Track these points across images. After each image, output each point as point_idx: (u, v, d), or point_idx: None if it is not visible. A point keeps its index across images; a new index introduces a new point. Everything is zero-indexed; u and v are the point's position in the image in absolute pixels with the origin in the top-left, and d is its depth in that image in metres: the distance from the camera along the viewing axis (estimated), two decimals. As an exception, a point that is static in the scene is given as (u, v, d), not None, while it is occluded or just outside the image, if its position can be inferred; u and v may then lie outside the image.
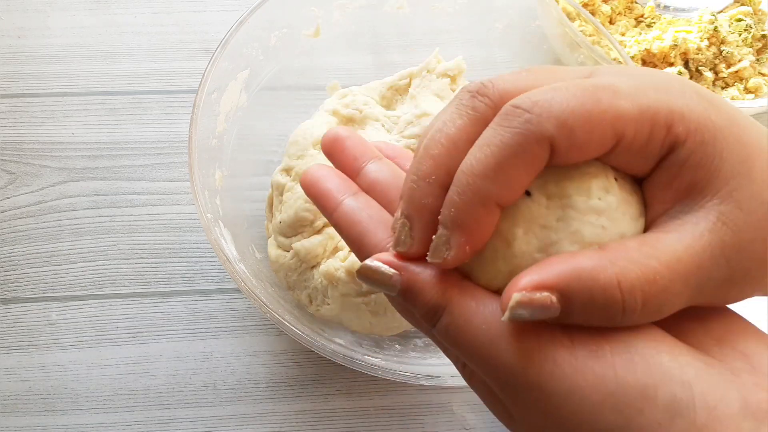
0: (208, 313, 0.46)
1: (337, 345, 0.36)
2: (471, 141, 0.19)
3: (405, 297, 0.20)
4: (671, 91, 0.18)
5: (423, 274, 0.20)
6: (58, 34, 0.54)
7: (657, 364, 0.17)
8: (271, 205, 0.43)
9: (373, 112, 0.42)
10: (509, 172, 0.18)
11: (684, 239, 0.18)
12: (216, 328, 0.45)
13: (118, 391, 0.43)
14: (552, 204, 0.19)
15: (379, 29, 0.49)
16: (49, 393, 0.43)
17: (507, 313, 0.17)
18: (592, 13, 0.53)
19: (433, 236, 0.19)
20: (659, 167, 0.19)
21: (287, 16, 0.44)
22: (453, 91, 0.42)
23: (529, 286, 0.17)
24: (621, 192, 0.19)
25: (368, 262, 0.20)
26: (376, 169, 0.25)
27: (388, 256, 0.20)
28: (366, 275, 0.20)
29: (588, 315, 0.17)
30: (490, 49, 0.49)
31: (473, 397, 0.44)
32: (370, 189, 0.25)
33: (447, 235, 0.19)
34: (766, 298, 0.21)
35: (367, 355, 0.36)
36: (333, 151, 0.26)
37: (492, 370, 0.18)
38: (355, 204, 0.24)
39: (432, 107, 0.41)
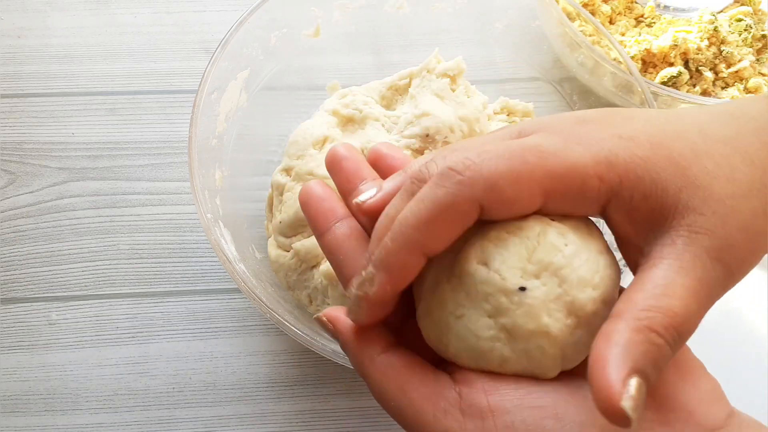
0: (208, 313, 0.46)
1: (337, 345, 0.36)
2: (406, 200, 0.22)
3: (342, 350, 0.24)
4: (593, 142, 0.20)
5: (354, 342, 0.23)
6: (58, 34, 0.54)
7: (539, 429, 0.19)
8: (271, 205, 0.43)
9: (373, 112, 0.42)
10: (438, 226, 0.20)
11: (673, 265, 0.19)
12: (216, 328, 0.45)
13: (118, 391, 0.43)
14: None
15: (379, 29, 0.49)
16: (49, 393, 0.43)
17: (633, 416, 0.17)
18: (592, 13, 0.53)
19: (362, 271, 0.21)
20: (610, 209, 0.21)
21: (287, 16, 0.44)
22: (453, 91, 0.42)
23: (620, 384, 0.17)
24: (573, 234, 0.21)
25: (320, 314, 0.24)
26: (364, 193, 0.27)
27: (336, 312, 0.23)
28: (318, 324, 0.24)
29: (658, 373, 0.18)
30: (490, 49, 0.49)
31: (473, 397, 0.44)
32: (356, 213, 0.26)
33: (373, 273, 0.21)
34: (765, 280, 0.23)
35: None
36: (331, 169, 0.27)
37: (399, 421, 0.22)
38: (339, 233, 0.25)
39: (432, 107, 0.41)
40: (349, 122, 0.43)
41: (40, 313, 0.45)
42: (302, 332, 0.33)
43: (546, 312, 0.20)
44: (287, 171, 0.41)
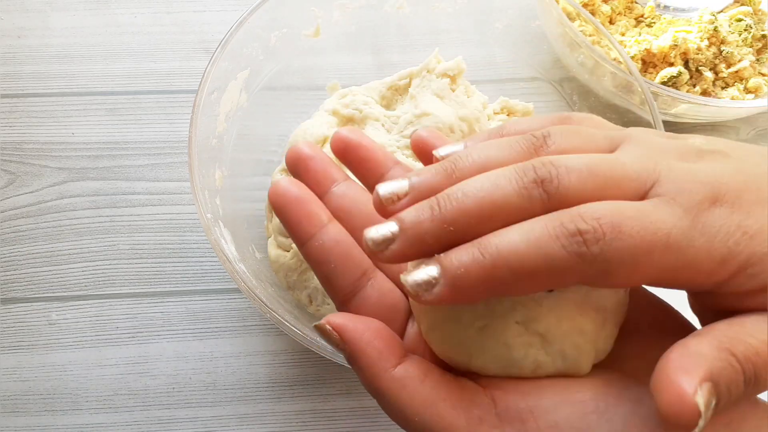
0: (208, 313, 0.46)
1: None
2: (508, 216, 0.18)
3: (350, 363, 0.21)
4: (716, 234, 0.18)
5: (365, 351, 0.20)
6: (58, 34, 0.54)
7: (582, 429, 0.18)
8: (269, 206, 0.43)
9: (373, 112, 0.42)
10: (535, 281, 0.18)
11: (763, 318, 0.18)
12: (216, 328, 0.45)
13: (118, 391, 0.43)
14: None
15: (379, 29, 0.49)
16: (49, 393, 0.43)
17: (701, 423, 0.16)
18: (592, 13, 0.53)
19: (423, 266, 0.19)
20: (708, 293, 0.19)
21: (287, 16, 0.44)
22: (453, 91, 0.42)
23: (696, 384, 0.16)
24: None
25: (322, 322, 0.20)
26: (341, 193, 0.24)
27: (341, 319, 0.20)
28: (320, 333, 0.21)
29: (728, 399, 0.17)
30: (490, 49, 0.49)
31: (473, 397, 0.44)
32: (336, 212, 0.24)
33: (436, 280, 0.18)
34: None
35: None
36: (296, 171, 0.25)
37: None
38: (325, 239, 0.23)
39: (432, 107, 0.41)
40: (349, 122, 0.43)
41: (40, 313, 0.45)
42: (302, 332, 0.33)
43: (578, 310, 0.20)
44: (287, 171, 0.41)
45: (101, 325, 0.45)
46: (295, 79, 0.47)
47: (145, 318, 0.45)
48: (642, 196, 0.19)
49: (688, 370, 0.16)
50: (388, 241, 0.19)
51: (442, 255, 0.18)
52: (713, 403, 0.16)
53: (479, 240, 0.18)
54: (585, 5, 0.53)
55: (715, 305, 0.19)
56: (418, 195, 0.20)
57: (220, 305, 0.46)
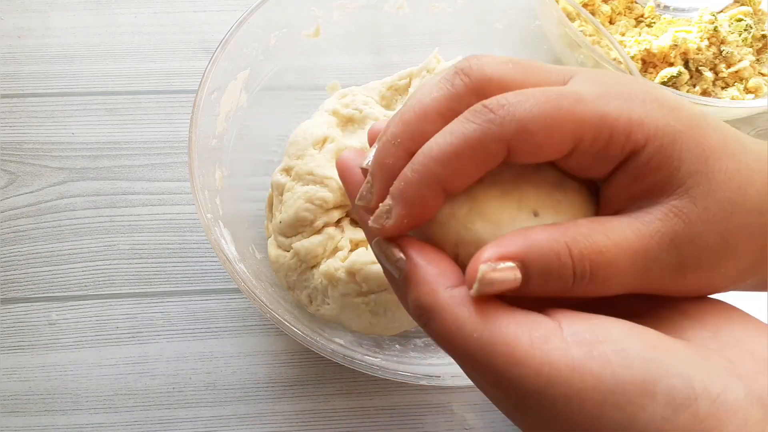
0: (208, 313, 0.46)
1: (337, 345, 0.36)
2: (440, 113, 0.20)
3: (403, 285, 0.21)
4: (633, 100, 0.20)
5: (425, 268, 0.20)
6: (58, 34, 0.54)
7: (653, 359, 0.17)
8: (271, 205, 0.43)
9: (373, 112, 0.42)
10: (463, 162, 0.19)
11: (633, 223, 0.19)
12: (216, 328, 0.45)
13: (118, 391, 0.43)
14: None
15: (379, 29, 0.49)
16: (49, 393, 0.43)
17: (476, 286, 0.18)
18: (592, 13, 0.53)
19: (380, 203, 0.20)
20: (619, 171, 0.20)
21: (287, 16, 0.44)
22: None
23: (493, 257, 0.18)
24: (574, 195, 0.21)
25: (384, 239, 0.21)
26: None
27: (406, 239, 0.21)
28: (378, 248, 0.21)
29: (544, 283, 0.18)
30: (490, 49, 0.49)
31: (473, 397, 0.44)
32: None
33: (390, 205, 0.20)
34: (766, 293, 0.22)
35: (367, 355, 0.36)
36: (344, 178, 0.26)
37: (488, 377, 0.18)
38: None
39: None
40: (349, 122, 0.43)
41: (40, 313, 0.45)
42: (302, 332, 0.33)
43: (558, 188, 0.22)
44: (287, 171, 0.41)
45: (101, 325, 0.45)
46: (295, 79, 0.47)
47: (145, 318, 0.45)
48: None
49: (499, 245, 0.18)
50: (369, 192, 0.21)
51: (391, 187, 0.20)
52: (492, 286, 0.18)
53: (415, 155, 0.20)
54: (585, 5, 0.53)
55: (609, 199, 0.21)
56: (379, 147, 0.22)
57: (220, 305, 0.46)
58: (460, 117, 0.20)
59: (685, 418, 0.16)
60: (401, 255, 0.20)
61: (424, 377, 0.34)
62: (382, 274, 0.36)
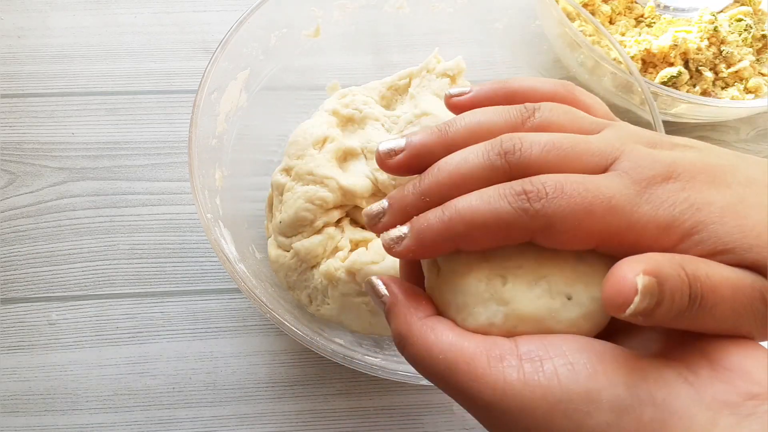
0: (208, 313, 0.46)
1: (337, 345, 0.36)
2: (474, 185, 0.22)
3: (386, 318, 0.23)
4: (663, 204, 0.20)
5: (402, 303, 0.23)
6: (58, 34, 0.54)
7: (599, 371, 0.18)
8: (271, 205, 0.43)
9: (373, 112, 0.42)
10: (485, 233, 0.21)
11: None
12: (216, 328, 0.45)
13: (118, 391, 0.43)
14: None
15: (379, 29, 0.49)
16: (49, 393, 0.43)
17: (633, 307, 0.17)
18: (592, 13, 0.53)
19: (398, 225, 0.23)
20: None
21: (287, 16, 0.44)
22: None
23: (639, 271, 0.18)
24: (598, 263, 0.21)
25: (373, 277, 0.24)
26: None
27: (390, 279, 0.24)
28: (368, 285, 0.24)
29: (670, 305, 0.18)
30: (490, 49, 0.49)
31: (473, 397, 0.44)
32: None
33: (405, 235, 0.22)
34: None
35: (368, 355, 0.36)
36: None
37: (455, 393, 0.20)
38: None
39: (431, 107, 0.41)
40: (348, 122, 0.43)
41: (40, 313, 0.45)
42: (302, 332, 0.33)
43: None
44: (287, 171, 0.41)
45: (101, 325, 0.45)
46: (295, 79, 0.47)
47: (145, 318, 0.45)
48: (601, 172, 0.21)
49: (635, 261, 0.18)
50: (379, 215, 0.24)
51: (414, 217, 0.22)
52: (653, 298, 0.17)
53: (445, 203, 0.22)
54: (585, 5, 0.53)
55: None
56: (412, 151, 0.24)
57: (220, 305, 0.46)
58: (501, 189, 0.21)
59: (628, 422, 0.17)
60: (385, 292, 0.23)
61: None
62: (382, 273, 0.36)
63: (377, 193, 0.40)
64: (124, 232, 0.48)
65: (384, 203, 0.24)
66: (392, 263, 0.37)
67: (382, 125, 0.42)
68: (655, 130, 0.38)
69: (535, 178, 0.20)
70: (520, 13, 0.47)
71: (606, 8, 0.54)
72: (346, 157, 0.41)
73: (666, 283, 0.18)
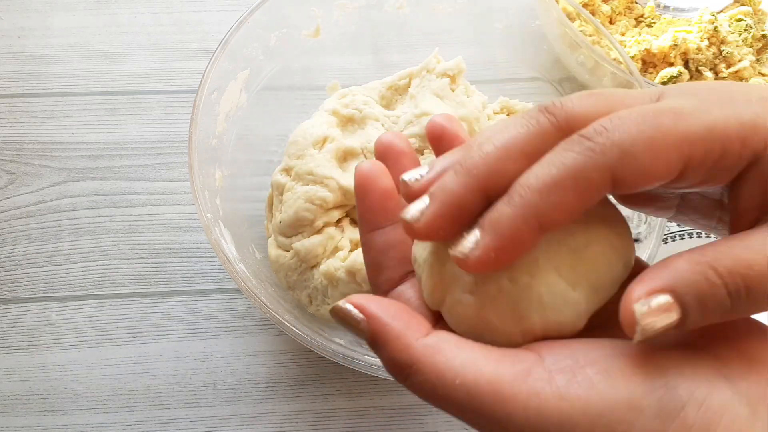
0: (208, 313, 0.46)
1: (337, 345, 0.36)
2: (523, 152, 0.19)
3: (372, 347, 0.19)
4: (736, 103, 0.18)
5: (391, 325, 0.19)
6: (58, 34, 0.54)
7: (636, 374, 0.17)
8: (271, 205, 0.43)
9: (373, 112, 0.42)
10: (565, 194, 0.18)
11: None
12: (216, 328, 0.45)
13: (118, 391, 0.43)
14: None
15: (379, 29, 0.49)
16: (49, 393, 0.43)
17: (638, 335, 0.16)
18: (592, 13, 0.53)
19: (464, 232, 0.19)
20: (743, 181, 0.19)
21: (287, 16, 0.44)
22: (452, 91, 0.42)
23: (644, 293, 0.17)
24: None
25: (340, 302, 0.20)
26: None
27: (362, 299, 0.20)
28: (337, 315, 0.20)
29: (703, 310, 0.17)
30: (490, 49, 0.49)
31: (473, 397, 0.44)
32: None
33: (479, 235, 0.18)
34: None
35: (368, 355, 0.36)
36: (386, 159, 0.24)
37: (481, 421, 0.18)
38: (390, 236, 0.23)
39: (431, 107, 0.41)
40: (348, 122, 0.43)
41: (40, 313, 0.45)
42: (302, 332, 0.33)
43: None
44: (287, 171, 0.41)
45: (101, 325, 0.45)
46: (295, 79, 0.48)
47: (145, 318, 0.45)
48: None
49: (644, 281, 0.17)
50: (421, 211, 0.19)
51: (479, 218, 0.19)
52: (672, 314, 0.16)
53: (508, 191, 0.18)
54: (585, 5, 0.53)
55: (740, 214, 0.19)
56: (440, 170, 0.20)
57: (220, 305, 0.46)
58: (556, 149, 0.18)
59: (675, 428, 0.16)
60: (361, 316, 0.19)
61: None
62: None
63: None
64: (124, 232, 0.48)
65: (424, 199, 0.19)
66: None
67: (382, 125, 0.42)
68: None
69: (588, 126, 0.18)
70: (520, 13, 0.47)
71: (606, 8, 0.54)
72: (346, 157, 0.41)
73: (688, 293, 0.17)
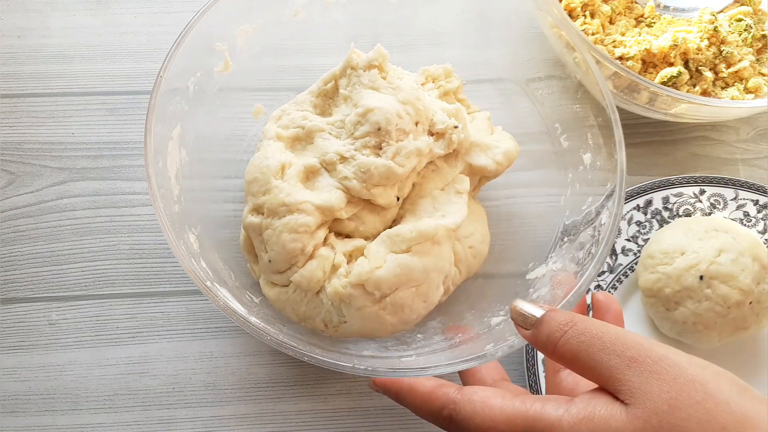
0: (208, 313, 0.46)
1: (367, 357, 0.36)
2: None
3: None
4: None
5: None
6: (58, 34, 0.54)
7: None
8: (248, 248, 0.41)
9: (316, 124, 0.41)
10: None
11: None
12: (216, 328, 0.45)
13: (118, 391, 0.43)
14: None
15: (380, 29, 0.49)
16: (49, 393, 0.43)
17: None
18: (592, 14, 0.53)
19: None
20: None
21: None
22: (384, 79, 0.41)
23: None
24: None
25: (517, 303, 0.31)
26: None
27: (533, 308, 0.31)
28: (514, 312, 0.30)
29: None
30: (490, 49, 0.49)
31: (473, 397, 0.44)
32: None
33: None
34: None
35: (403, 357, 0.36)
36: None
37: None
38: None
39: (372, 101, 0.39)
40: (296, 141, 0.41)
41: (40, 313, 0.45)
42: (342, 362, 0.32)
43: None
44: (257, 210, 0.39)
45: (101, 325, 0.45)
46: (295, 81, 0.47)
47: (145, 318, 0.45)
48: None
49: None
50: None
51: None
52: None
53: None
54: (585, 5, 0.53)
55: None
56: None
57: (220, 305, 0.46)
58: None
59: None
60: (540, 311, 0.30)
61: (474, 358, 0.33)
62: (389, 275, 0.36)
63: (352, 200, 0.39)
64: (124, 232, 0.48)
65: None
66: (394, 261, 0.37)
67: (329, 133, 0.41)
68: (615, 128, 0.39)
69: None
70: (519, 14, 0.47)
71: (606, 8, 0.54)
72: (308, 176, 0.40)
73: None
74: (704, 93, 0.51)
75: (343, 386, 0.44)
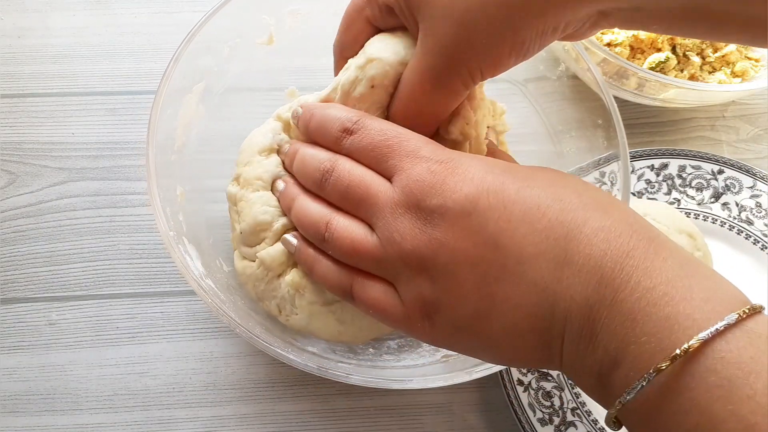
0: (208, 313, 0.46)
1: (310, 354, 0.36)
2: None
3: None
4: None
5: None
6: (58, 34, 0.54)
7: None
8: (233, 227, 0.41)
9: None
10: None
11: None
12: (216, 328, 0.45)
13: (118, 391, 0.43)
14: None
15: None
16: (49, 393, 0.43)
17: None
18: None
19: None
20: None
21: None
22: None
23: None
24: None
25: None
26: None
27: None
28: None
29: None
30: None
31: (473, 397, 0.44)
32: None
33: None
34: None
35: (341, 362, 0.36)
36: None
37: None
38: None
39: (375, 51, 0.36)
40: (289, 125, 0.41)
41: (40, 313, 0.45)
42: (271, 344, 0.33)
43: None
44: (237, 180, 0.39)
45: (101, 325, 0.45)
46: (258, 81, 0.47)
47: (145, 318, 0.45)
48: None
49: None
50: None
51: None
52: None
53: None
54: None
55: None
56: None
57: (220, 305, 0.46)
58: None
59: None
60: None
61: (396, 381, 0.34)
62: None
63: None
64: (124, 232, 0.48)
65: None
66: None
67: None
68: (612, 111, 0.40)
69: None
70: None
71: None
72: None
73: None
74: (692, 78, 0.52)
75: (343, 386, 0.44)
